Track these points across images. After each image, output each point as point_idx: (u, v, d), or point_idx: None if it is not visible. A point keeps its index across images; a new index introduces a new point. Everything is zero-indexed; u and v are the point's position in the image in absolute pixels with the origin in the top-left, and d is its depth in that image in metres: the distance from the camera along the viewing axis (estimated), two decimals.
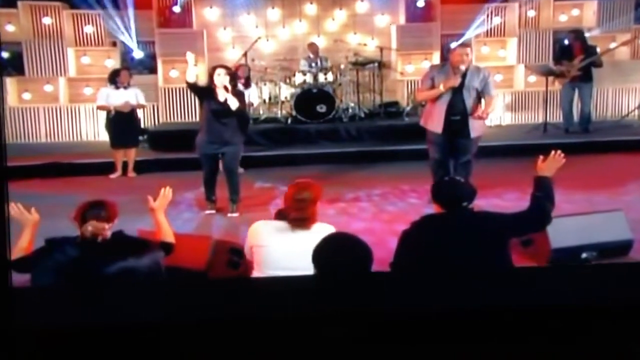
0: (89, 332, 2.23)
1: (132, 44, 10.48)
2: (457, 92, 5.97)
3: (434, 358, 2.27)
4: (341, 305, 2.32)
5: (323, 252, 2.68)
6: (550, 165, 3.56)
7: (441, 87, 5.92)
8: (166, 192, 3.78)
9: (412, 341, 2.28)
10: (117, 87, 8.17)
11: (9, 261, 2.40)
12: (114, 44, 10.70)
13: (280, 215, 3.64)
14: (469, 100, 5.98)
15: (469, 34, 10.69)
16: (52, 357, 2.24)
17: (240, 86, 7.51)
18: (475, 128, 6.06)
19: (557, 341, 2.28)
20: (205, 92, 6.20)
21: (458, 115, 6.00)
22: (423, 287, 2.52)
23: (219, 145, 6.19)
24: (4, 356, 2.22)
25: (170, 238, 3.74)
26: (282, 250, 3.44)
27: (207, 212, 6.42)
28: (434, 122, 6.09)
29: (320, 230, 3.48)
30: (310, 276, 2.70)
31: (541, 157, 3.58)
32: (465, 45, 6.46)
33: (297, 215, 3.49)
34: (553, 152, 3.57)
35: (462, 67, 5.87)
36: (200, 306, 2.39)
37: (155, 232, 3.83)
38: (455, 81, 5.88)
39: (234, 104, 6.04)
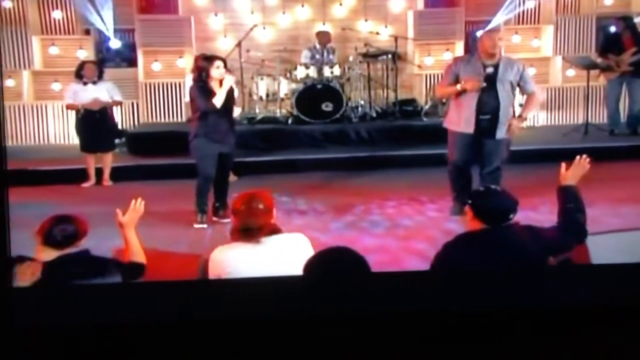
0: (89, 332, 2.46)
1: (108, 31, 10.48)
2: (489, 87, 6.00)
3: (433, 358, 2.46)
4: (339, 306, 2.55)
5: (314, 268, 2.74)
6: (576, 172, 3.66)
7: (458, 87, 5.98)
8: (137, 205, 3.78)
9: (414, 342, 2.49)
10: (85, 83, 8.23)
11: (10, 261, 2.63)
12: (87, 32, 10.72)
13: (234, 235, 3.71)
14: (503, 94, 6.01)
15: (497, 20, 10.65)
16: (52, 357, 2.47)
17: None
18: (507, 127, 6.10)
19: (558, 341, 2.47)
20: (205, 90, 6.30)
21: (488, 114, 6.03)
22: (424, 288, 2.73)
23: (222, 144, 6.39)
24: (4, 356, 2.43)
25: (140, 258, 3.73)
26: (249, 269, 3.50)
27: (198, 225, 6.40)
28: (462, 121, 6.11)
29: (291, 240, 3.64)
30: (308, 277, 2.87)
31: (563, 164, 3.69)
32: (495, 30, 6.54)
33: (244, 225, 3.60)
34: (578, 157, 3.69)
35: (495, 51, 5.91)
36: (199, 306, 2.61)
37: (124, 251, 3.85)
38: (478, 84, 5.93)
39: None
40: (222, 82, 6.25)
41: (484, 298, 2.58)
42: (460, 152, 6.21)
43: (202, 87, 6.28)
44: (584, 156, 3.71)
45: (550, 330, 2.48)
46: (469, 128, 6.05)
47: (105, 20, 10.28)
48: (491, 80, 5.99)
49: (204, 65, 6.28)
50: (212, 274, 3.67)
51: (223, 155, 6.44)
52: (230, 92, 6.38)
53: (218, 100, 6.23)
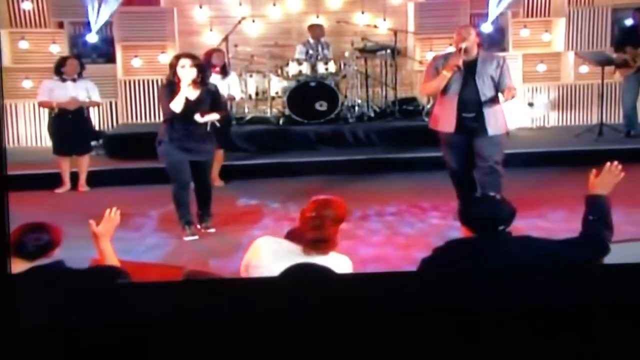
0: (91, 332, 2.68)
1: (96, 24, 10.34)
2: (468, 83, 6.18)
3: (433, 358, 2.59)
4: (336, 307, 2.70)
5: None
6: (606, 180, 3.56)
7: (444, 73, 6.13)
8: (112, 215, 3.79)
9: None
10: (64, 80, 8.21)
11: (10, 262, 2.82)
12: (61, 25, 10.69)
13: (291, 235, 3.71)
14: (484, 90, 6.16)
15: (494, 10, 10.56)
16: (55, 357, 2.67)
17: (216, 77, 7.54)
18: (494, 124, 6.20)
19: (557, 341, 2.59)
20: (171, 92, 6.14)
21: (472, 112, 6.20)
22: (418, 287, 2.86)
23: (193, 153, 6.26)
24: (7, 356, 2.59)
25: None
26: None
27: (188, 238, 6.30)
28: (443, 120, 6.30)
29: (336, 260, 3.61)
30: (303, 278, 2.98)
31: (594, 171, 3.61)
32: (468, 25, 6.74)
33: (314, 236, 3.58)
34: (609, 164, 3.58)
35: (463, 45, 6.06)
36: (198, 307, 2.79)
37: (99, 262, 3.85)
38: (458, 59, 6.08)
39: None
40: (196, 83, 6.08)
41: (482, 298, 2.69)
42: (452, 154, 6.40)
43: (169, 88, 6.15)
44: (615, 162, 3.58)
45: (550, 330, 2.56)
46: (451, 126, 6.22)
47: (100, 12, 10.16)
48: (471, 76, 6.13)
49: (174, 64, 6.14)
50: (247, 258, 3.67)
51: (196, 163, 6.32)
52: (212, 96, 6.29)
53: (176, 105, 6.01)
